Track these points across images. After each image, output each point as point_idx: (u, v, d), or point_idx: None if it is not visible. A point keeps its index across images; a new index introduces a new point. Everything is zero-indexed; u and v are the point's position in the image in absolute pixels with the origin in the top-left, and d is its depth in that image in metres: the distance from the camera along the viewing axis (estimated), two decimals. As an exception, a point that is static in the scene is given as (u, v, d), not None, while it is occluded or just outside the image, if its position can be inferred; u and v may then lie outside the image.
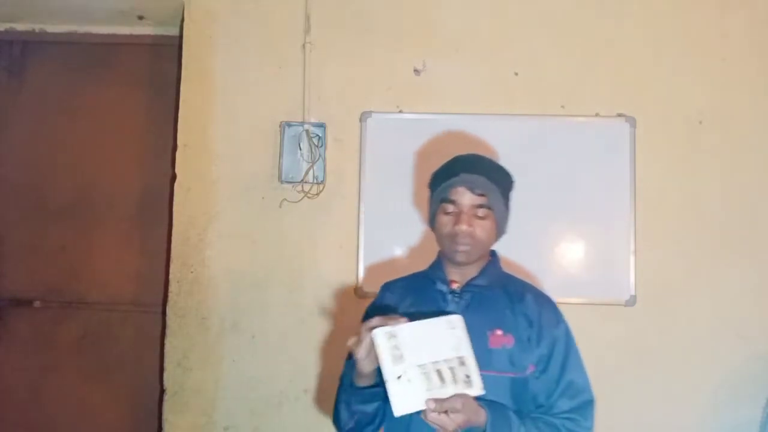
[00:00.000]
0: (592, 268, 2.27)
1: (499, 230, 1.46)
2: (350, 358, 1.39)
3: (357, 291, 2.29)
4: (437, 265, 1.52)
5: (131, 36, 2.68)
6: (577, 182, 2.28)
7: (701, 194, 2.29)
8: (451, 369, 1.26)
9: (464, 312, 1.38)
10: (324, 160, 2.32)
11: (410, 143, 2.32)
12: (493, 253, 1.52)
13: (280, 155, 2.32)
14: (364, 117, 2.34)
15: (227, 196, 2.34)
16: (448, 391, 1.24)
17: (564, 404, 1.39)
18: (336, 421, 1.48)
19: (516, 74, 2.35)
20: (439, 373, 1.26)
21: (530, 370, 1.39)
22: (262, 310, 2.31)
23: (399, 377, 1.25)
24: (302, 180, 2.30)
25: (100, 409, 2.57)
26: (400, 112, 2.35)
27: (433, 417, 1.22)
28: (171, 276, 2.32)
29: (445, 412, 1.22)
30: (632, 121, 2.30)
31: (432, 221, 1.49)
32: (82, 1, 2.47)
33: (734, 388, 2.22)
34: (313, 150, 2.31)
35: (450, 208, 1.42)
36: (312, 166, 2.31)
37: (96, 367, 2.59)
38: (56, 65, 2.69)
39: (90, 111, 2.67)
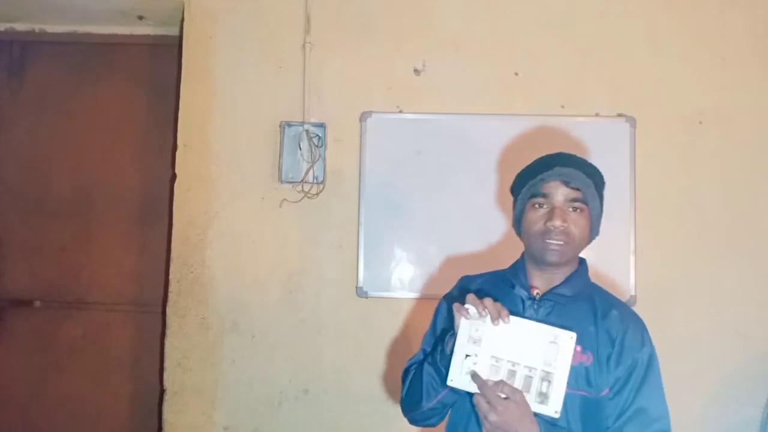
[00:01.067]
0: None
1: (593, 231, 1.38)
2: (439, 336, 1.34)
3: (357, 291, 2.29)
4: (518, 267, 1.42)
5: (131, 36, 2.68)
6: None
7: (701, 194, 2.29)
8: (528, 378, 1.19)
9: (543, 322, 1.30)
10: (324, 160, 2.32)
11: (410, 143, 2.32)
12: (581, 261, 1.43)
13: (280, 155, 2.32)
14: (364, 117, 2.34)
15: (227, 196, 2.34)
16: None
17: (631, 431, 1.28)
18: (412, 403, 1.39)
19: (516, 74, 2.35)
20: (511, 373, 1.20)
21: (604, 392, 1.29)
22: (262, 310, 2.31)
23: (467, 356, 1.20)
24: (302, 180, 2.30)
25: (100, 409, 2.57)
26: (400, 112, 2.35)
27: (478, 400, 1.19)
28: (171, 276, 2.32)
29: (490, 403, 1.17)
30: (632, 121, 2.30)
31: (517, 224, 1.40)
32: (82, 1, 2.47)
33: (734, 388, 2.22)
34: (313, 150, 2.31)
35: (542, 202, 1.33)
36: (312, 166, 2.30)
37: (96, 367, 2.59)
38: (56, 65, 2.69)
39: (90, 111, 2.67)
